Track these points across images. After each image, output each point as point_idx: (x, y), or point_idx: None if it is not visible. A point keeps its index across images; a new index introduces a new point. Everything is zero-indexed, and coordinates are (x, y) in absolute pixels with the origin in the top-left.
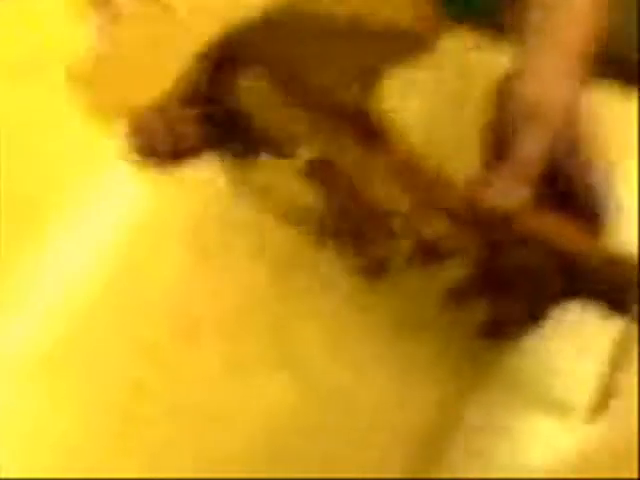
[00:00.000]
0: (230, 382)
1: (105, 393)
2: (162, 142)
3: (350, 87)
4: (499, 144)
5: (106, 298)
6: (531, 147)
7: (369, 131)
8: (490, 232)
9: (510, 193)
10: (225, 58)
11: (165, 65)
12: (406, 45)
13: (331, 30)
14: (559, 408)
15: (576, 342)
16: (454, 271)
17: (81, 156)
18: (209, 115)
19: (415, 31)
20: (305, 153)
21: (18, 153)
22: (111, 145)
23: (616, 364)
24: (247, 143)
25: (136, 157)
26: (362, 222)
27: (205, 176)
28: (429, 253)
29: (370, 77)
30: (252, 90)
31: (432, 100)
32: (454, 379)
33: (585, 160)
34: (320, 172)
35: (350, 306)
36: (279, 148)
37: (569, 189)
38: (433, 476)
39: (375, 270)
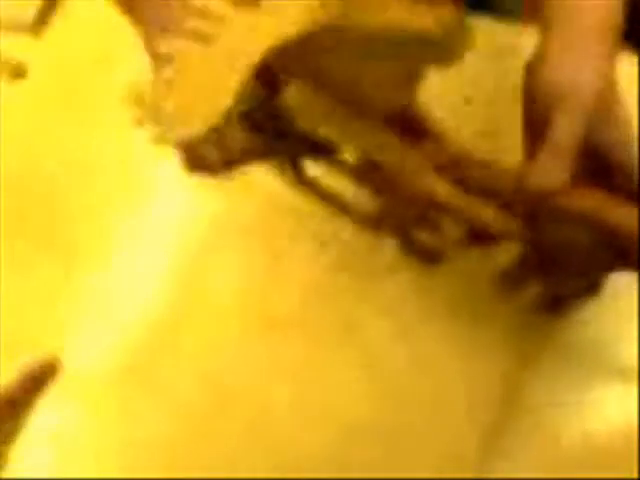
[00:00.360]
0: (305, 372)
1: (184, 396)
2: (212, 155)
3: (391, 90)
4: (536, 127)
5: (178, 301)
6: (565, 128)
7: (413, 128)
8: (536, 213)
9: (550, 174)
10: (273, 72)
11: (224, 83)
12: (438, 49)
13: (367, 41)
14: (624, 374)
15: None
16: (506, 252)
17: (144, 171)
18: (259, 126)
19: (444, 36)
20: (352, 154)
21: (81, 171)
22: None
23: None
24: (295, 149)
25: (188, 169)
26: (414, 213)
27: (261, 177)
28: (480, 237)
29: (410, 79)
30: (301, 100)
31: (470, 89)
32: (516, 355)
33: (621, 136)
34: (368, 172)
35: (411, 290)
36: (327, 151)
37: (607, 165)
38: (502, 453)
39: (431, 256)
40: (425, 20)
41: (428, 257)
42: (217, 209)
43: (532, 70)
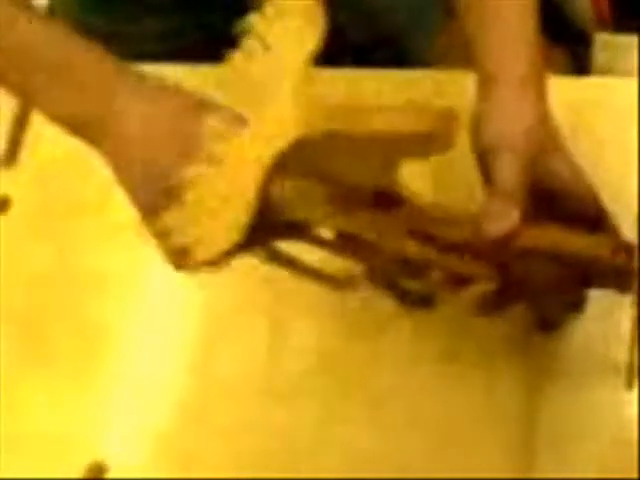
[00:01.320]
0: (321, 433)
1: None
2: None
3: (374, 176)
4: (487, 174)
5: (193, 386)
6: (509, 174)
7: (390, 201)
8: (500, 252)
9: (503, 217)
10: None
11: (243, 198)
12: (420, 147)
13: (356, 142)
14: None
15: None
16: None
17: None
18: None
19: (428, 136)
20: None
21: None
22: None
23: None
24: (277, 235)
25: (174, 261)
26: (396, 269)
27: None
28: (458, 282)
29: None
30: (294, 190)
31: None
32: (526, 377)
33: (568, 169)
34: (344, 245)
35: (412, 339)
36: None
37: (563, 197)
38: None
39: (425, 301)
40: (412, 124)
41: (422, 303)
42: (215, 292)
43: (474, 121)
